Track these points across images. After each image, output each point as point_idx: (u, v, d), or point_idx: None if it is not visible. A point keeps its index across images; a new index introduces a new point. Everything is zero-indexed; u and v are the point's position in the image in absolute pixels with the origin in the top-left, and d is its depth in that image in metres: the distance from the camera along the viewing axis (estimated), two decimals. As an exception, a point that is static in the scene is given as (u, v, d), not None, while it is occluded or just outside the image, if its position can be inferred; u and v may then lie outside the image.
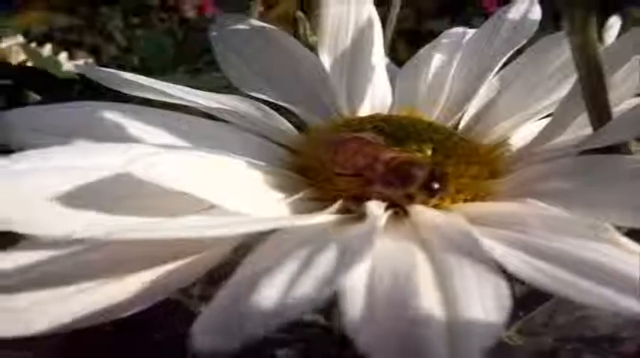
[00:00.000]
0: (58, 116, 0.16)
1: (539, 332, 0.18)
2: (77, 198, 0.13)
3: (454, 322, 0.09)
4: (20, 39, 0.50)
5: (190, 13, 0.88)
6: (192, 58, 0.41)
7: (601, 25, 0.15)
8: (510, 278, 0.10)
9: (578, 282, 0.10)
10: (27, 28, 0.83)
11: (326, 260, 0.10)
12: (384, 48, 0.23)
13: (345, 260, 0.10)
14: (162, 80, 0.19)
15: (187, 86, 0.19)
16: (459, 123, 0.20)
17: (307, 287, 0.09)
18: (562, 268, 0.10)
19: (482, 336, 0.08)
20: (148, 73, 0.24)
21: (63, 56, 0.51)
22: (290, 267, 0.09)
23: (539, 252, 0.11)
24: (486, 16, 0.23)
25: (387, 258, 0.11)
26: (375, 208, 0.13)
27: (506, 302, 0.09)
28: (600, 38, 0.15)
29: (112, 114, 0.16)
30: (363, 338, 0.08)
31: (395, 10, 0.29)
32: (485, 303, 0.09)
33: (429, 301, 0.09)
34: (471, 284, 0.10)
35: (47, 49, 0.51)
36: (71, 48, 0.71)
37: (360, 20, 0.20)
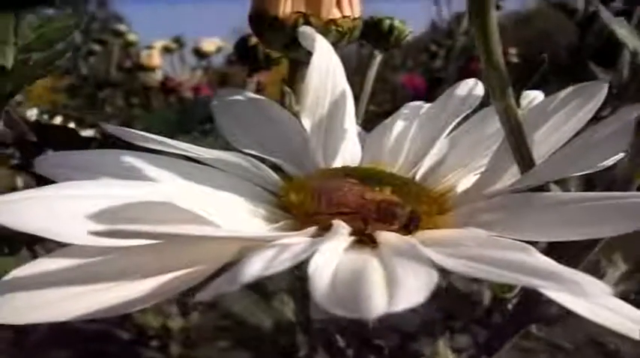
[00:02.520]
0: (91, 159, 0.19)
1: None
2: (101, 217, 0.16)
3: (392, 288, 0.12)
4: (35, 111, 0.53)
5: (188, 94, 0.93)
6: (191, 128, 0.45)
7: (519, 95, 0.19)
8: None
9: (487, 269, 0.13)
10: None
11: (296, 249, 0.13)
12: (359, 117, 0.27)
13: (310, 250, 0.13)
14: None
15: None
16: (415, 175, 0.23)
17: (283, 258, 0.12)
18: (481, 263, 0.13)
19: (413, 292, 0.11)
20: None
21: (72, 126, 0.55)
22: (274, 250, 0.13)
23: (467, 256, 0.14)
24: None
25: (350, 260, 0.14)
26: (339, 227, 0.16)
27: (433, 285, 0.12)
28: (519, 105, 0.19)
29: (131, 159, 0.20)
30: (323, 298, 0.11)
31: (368, 86, 0.33)
32: (418, 283, 0.12)
33: (376, 277, 0.12)
34: (408, 269, 0.13)
35: (58, 121, 0.55)
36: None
37: (335, 93, 0.23)
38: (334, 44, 0.24)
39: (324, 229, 0.18)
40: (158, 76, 1.11)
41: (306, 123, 0.23)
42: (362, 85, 0.33)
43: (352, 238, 0.17)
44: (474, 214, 0.18)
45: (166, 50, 1.14)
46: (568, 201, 0.17)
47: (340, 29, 0.24)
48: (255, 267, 0.12)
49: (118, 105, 1.13)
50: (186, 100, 0.84)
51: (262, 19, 0.24)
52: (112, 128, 0.22)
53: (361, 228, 0.17)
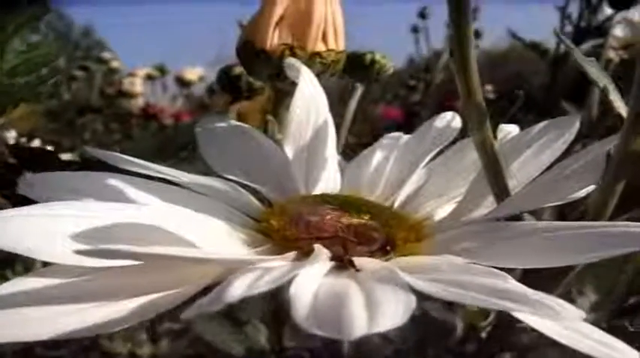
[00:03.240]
0: (74, 180, 0.19)
1: None
2: (86, 237, 0.16)
3: (373, 310, 0.12)
4: (13, 133, 0.53)
5: (168, 121, 0.93)
6: (171, 155, 0.45)
7: (495, 128, 0.20)
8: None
9: (464, 293, 0.13)
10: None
11: (277, 272, 0.13)
12: (339, 146, 0.27)
13: (291, 273, 0.13)
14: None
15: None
16: (393, 204, 0.23)
17: (265, 280, 0.12)
18: (458, 288, 0.14)
19: (393, 314, 0.12)
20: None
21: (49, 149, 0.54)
22: (256, 272, 0.13)
23: (444, 281, 0.14)
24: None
25: (330, 284, 0.14)
26: (320, 252, 0.16)
27: (411, 307, 0.12)
28: (495, 137, 0.19)
29: (114, 181, 0.20)
30: (304, 319, 0.11)
31: (349, 117, 0.34)
32: (397, 306, 0.12)
33: (357, 299, 0.13)
34: (388, 293, 0.13)
35: (36, 143, 0.55)
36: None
37: (317, 123, 0.24)
38: (318, 75, 0.25)
39: (304, 254, 0.18)
40: (139, 102, 1.11)
41: (289, 150, 0.23)
42: (343, 115, 0.34)
43: (332, 263, 0.17)
44: (451, 242, 0.19)
45: (149, 78, 1.15)
46: (542, 229, 0.17)
47: (324, 61, 0.25)
48: (238, 288, 0.12)
49: (97, 131, 1.13)
50: (167, 127, 0.84)
51: (250, 51, 0.25)
52: (94, 151, 0.22)
53: (340, 252, 0.18)
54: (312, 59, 0.25)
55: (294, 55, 0.24)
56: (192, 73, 1.12)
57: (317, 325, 0.12)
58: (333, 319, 0.12)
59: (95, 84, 1.14)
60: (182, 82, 1.12)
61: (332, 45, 0.25)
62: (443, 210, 0.22)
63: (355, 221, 0.18)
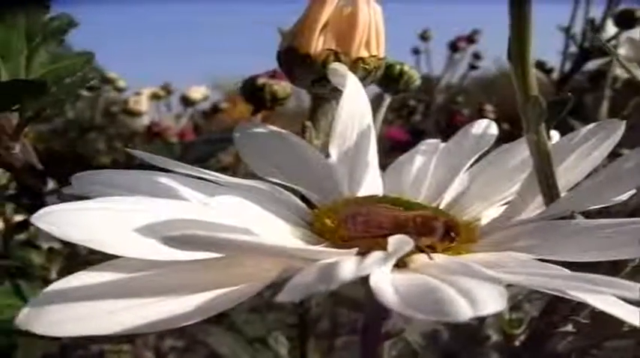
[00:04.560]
0: (126, 178, 0.19)
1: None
2: (153, 231, 0.15)
3: (469, 296, 0.12)
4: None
5: (173, 139, 0.93)
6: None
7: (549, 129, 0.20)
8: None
9: (548, 280, 0.13)
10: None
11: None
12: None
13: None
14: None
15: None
16: (439, 206, 0.23)
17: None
18: (529, 275, 0.14)
19: (492, 299, 0.11)
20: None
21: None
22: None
23: (516, 272, 0.14)
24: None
25: (404, 278, 0.14)
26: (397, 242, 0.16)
27: (504, 294, 0.12)
28: (549, 137, 0.19)
29: (167, 180, 0.19)
30: (399, 304, 0.11)
31: (377, 127, 0.34)
32: (492, 292, 0.12)
33: (445, 289, 0.12)
34: (473, 283, 0.13)
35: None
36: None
37: (362, 127, 0.24)
38: (361, 81, 0.25)
39: (363, 253, 0.17)
40: (144, 121, 1.11)
41: (334, 152, 0.23)
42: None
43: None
44: (505, 241, 0.19)
45: (154, 97, 1.15)
46: (594, 227, 0.18)
47: (367, 67, 0.25)
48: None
49: (100, 149, 1.12)
50: (173, 144, 0.84)
51: (293, 56, 0.25)
52: (137, 152, 0.22)
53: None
54: (355, 65, 0.24)
55: (338, 60, 0.24)
56: (196, 92, 1.12)
57: (414, 309, 0.11)
58: (432, 303, 0.11)
59: (100, 102, 1.14)
60: (187, 101, 1.12)
61: (374, 51, 0.25)
62: (488, 213, 0.22)
63: (410, 214, 0.18)
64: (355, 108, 0.23)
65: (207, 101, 1.19)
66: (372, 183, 0.24)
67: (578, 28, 0.66)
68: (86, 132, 1.10)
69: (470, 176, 0.24)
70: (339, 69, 0.23)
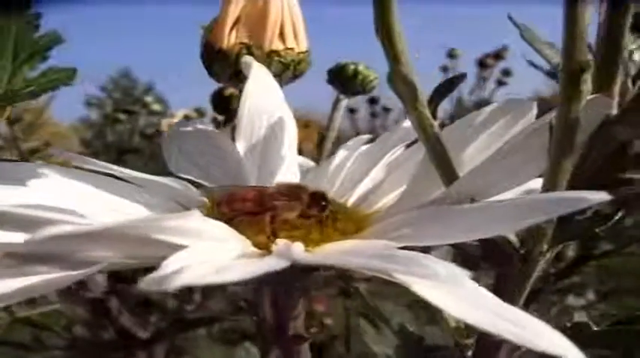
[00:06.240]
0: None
1: None
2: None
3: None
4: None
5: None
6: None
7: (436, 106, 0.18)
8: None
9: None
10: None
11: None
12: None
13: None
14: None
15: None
16: (347, 201, 0.22)
17: None
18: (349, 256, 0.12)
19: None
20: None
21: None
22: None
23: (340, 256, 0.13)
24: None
25: None
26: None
27: None
28: (435, 115, 0.18)
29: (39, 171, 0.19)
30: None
31: (334, 129, 0.33)
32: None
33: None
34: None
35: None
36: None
37: (271, 119, 0.23)
38: (278, 75, 0.24)
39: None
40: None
41: (240, 146, 0.22)
42: (327, 127, 0.33)
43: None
44: (386, 230, 0.17)
45: (186, 119, 1.17)
46: (473, 208, 0.16)
47: (283, 60, 0.24)
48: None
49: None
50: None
51: (209, 51, 0.24)
52: (57, 151, 0.22)
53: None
54: (269, 58, 0.24)
55: (250, 53, 0.23)
56: (227, 114, 1.14)
57: None
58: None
59: (137, 125, 1.18)
60: (217, 123, 1.13)
61: (291, 44, 0.24)
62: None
63: (278, 188, 0.17)
64: (263, 103, 0.22)
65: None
66: (285, 177, 0.23)
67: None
68: (123, 154, 1.14)
69: (386, 170, 0.23)
70: (247, 61, 0.23)
